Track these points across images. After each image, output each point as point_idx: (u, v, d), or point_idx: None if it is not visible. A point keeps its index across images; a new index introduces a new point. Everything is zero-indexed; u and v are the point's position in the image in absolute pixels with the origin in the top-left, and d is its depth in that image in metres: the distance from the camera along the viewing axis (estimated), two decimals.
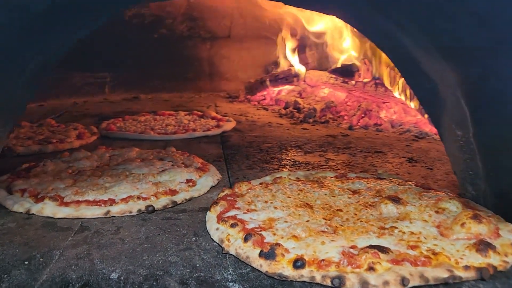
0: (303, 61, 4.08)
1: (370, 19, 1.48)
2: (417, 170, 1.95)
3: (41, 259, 1.09)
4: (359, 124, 3.03)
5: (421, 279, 0.98)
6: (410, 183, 1.59)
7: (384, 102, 3.38)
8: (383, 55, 3.34)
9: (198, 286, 0.97)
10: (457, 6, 1.08)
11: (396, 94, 3.30)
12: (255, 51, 4.56)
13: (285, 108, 3.49)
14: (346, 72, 3.58)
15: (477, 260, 1.05)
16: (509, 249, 1.10)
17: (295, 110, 3.37)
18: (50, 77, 3.93)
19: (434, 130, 2.48)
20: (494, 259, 1.05)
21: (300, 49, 4.12)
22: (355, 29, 3.51)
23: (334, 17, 3.54)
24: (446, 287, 0.98)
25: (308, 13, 3.81)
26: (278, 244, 1.07)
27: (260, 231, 1.18)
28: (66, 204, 1.39)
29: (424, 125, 2.87)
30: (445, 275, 0.99)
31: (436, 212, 1.31)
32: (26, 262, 1.07)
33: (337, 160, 2.07)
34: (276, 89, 4.03)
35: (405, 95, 3.24)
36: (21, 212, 1.37)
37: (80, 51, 3.93)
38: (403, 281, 0.96)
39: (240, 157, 2.12)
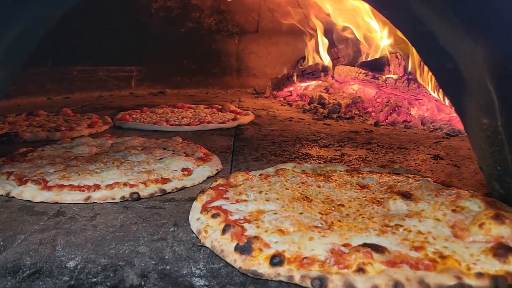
0: (332, 56, 3.89)
1: None
2: (442, 167, 1.75)
3: (1, 243, 1.00)
4: (386, 120, 2.83)
5: (420, 285, 0.81)
6: (429, 179, 1.41)
7: (417, 99, 3.16)
8: None
9: (158, 280, 0.85)
10: None
11: (430, 90, 3.07)
12: (284, 46, 4.43)
13: (309, 103, 3.33)
14: (376, 65, 3.37)
15: (494, 266, 0.87)
16: None
17: (320, 106, 3.20)
18: (75, 70, 4.00)
19: None
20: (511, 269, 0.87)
21: (330, 44, 3.93)
22: (385, 22, 3.32)
23: (363, 11, 3.34)
24: None
25: (337, 6, 3.63)
26: (256, 238, 0.93)
27: (244, 222, 1.04)
28: (49, 188, 1.31)
29: (459, 122, 2.63)
30: (451, 282, 0.82)
31: (453, 211, 1.13)
32: None
33: (353, 155, 1.91)
34: (303, 84, 3.87)
35: (439, 92, 3.01)
36: (1, 195, 1.31)
37: (107, 45, 3.96)
38: (396, 286, 0.80)
39: (249, 149, 1.99)
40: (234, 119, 2.67)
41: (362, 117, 2.96)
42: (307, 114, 3.08)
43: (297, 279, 0.84)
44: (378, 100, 3.32)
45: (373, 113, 3.01)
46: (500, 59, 1.10)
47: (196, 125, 2.52)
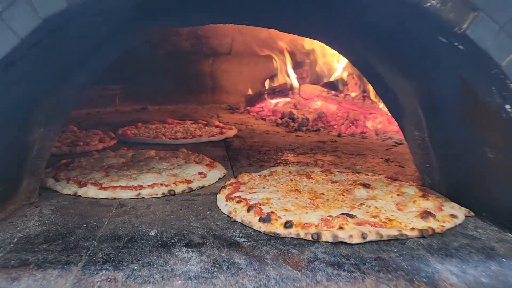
0: (298, 76, 4.46)
1: (352, 46, 1.86)
2: (391, 168, 2.32)
3: (94, 224, 1.44)
4: (347, 132, 3.40)
5: (377, 235, 1.33)
6: (381, 176, 1.96)
7: (371, 113, 3.76)
8: None
9: (213, 239, 1.33)
10: (408, 38, 1.46)
11: (381, 106, 3.68)
12: (254, 66, 4.96)
13: (281, 118, 3.87)
14: (336, 85, 3.97)
15: (421, 224, 1.41)
16: (447, 218, 1.46)
17: (290, 120, 3.74)
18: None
19: None
20: (433, 224, 1.42)
21: (295, 65, 4.51)
22: None
23: None
24: (396, 241, 1.34)
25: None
26: (272, 212, 1.43)
27: (260, 205, 1.53)
28: (105, 188, 1.75)
29: None
30: (396, 233, 1.35)
31: (398, 195, 1.67)
32: (84, 225, 1.42)
33: (324, 160, 2.44)
34: (273, 101, 4.41)
35: None
36: (70, 194, 1.73)
37: None
38: (363, 235, 1.32)
39: (242, 157, 2.48)
40: (221, 133, 3.16)
41: (327, 129, 3.52)
42: (280, 128, 3.61)
43: (302, 235, 1.34)
44: (339, 114, 3.90)
45: (335, 126, 3.58)
46: (424, 91, 1.66)
47: (190, 138, 2.98)
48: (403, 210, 1.53)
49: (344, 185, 1.82)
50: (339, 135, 3.30)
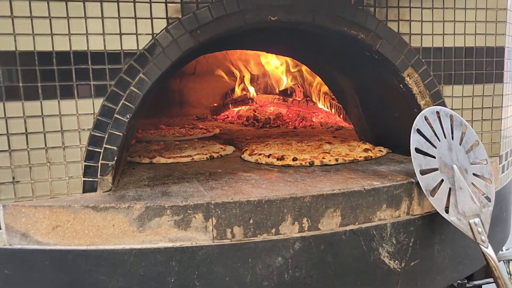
0: (254, 87, 5.60)
1: (309, 57, 3.01)
2: (339, 139, 3.49)
3: (181, 171, 2.41)
4: (300, 125, 4.57)
5: (343, 159, 2.46)
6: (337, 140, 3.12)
7: (314, 112, 4.98)
8: (311, 80, 4.99)
9: (256, 169, 2.37)
10: (349, 53, 2.62)
11: (321, 106, 4.92)
12: (214, 83, 6.01)
13: (247, 120, 4.95)
14: (286, 92, 5.17)
15: (364, 155, 2.56)
16: (377, 152, 2.63)
17: (255, 121, 4.84)
18: None
19: (347, 125, 4.10)
20: (371, 154, 2.58)
21: (251, 80, 5.65)
22: (288, 65, 5.14)
23: (273, 57, 5.06)
24: (352, 163, 2.47)
25: (254, 54, 5.37)
26: (284, 155, 2.51)
27: (273, 154, 2.60)
28: (168, 158, 2.70)
29: (340, 122, 4.49)
30: (352, 159, 2.49)
31: (348, 145, 2.83)
32: (176, 171, 2.39)
33: (294, 139, 3.55)
34: (236, 109, 5.50)
35: (327, 106, 4.86)
36: (146, 163, 2.66)
37: None
38: (336, 159, 2.44)
39: (237, 142, 3.52)
40: (209, 131, 4.16)
41: (284, 125, 4.67)
42: (249, 127, 4.69)
43: (303, 163, 2.43)
44: (289, 115, 5.07)
45: (290, 122, 4.74)
46: (358, 84, 2.84)
47: (190, 135, 3.96)
48: (353, 151, 2.68)
49: (315, 145, 2.95)
50: (295, 128, 4.45)
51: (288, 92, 5.24)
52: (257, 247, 1.81)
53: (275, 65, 5.37)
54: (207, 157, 2.75)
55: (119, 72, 1.91)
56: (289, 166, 2.44)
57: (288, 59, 4.96)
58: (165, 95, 5.87)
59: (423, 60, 2.33)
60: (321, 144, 2.90)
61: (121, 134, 1.94)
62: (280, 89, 5.33)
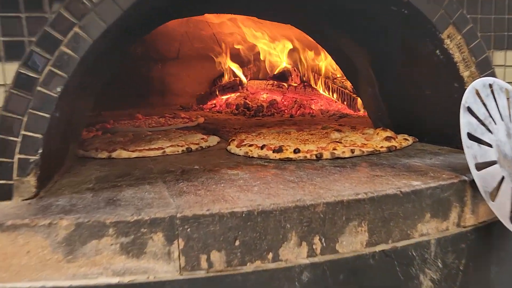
0: (244, 73, 4.98)
1: (313, 21, 2.41)
2: (346, 128, 2.90)
3: (144, 168, 1.80)
4: (297, 113, 3.97)
5: (360, 151, 1.87)
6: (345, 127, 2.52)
7: (312, 99, 4.38)
8: (309, 63, 4.38)
9: (245, 165, 1.77)
10: (366, 14, 2.02)
11: (321, 91, 4.32)
12: (200, 69, 5.38)
13: (236, 108, 4.34)
14: (281, 77, 4.56)
15: (386, 144, 1.97)
16: (402, 141, 2.05)
17: (246, 109, 4.23)
18: None
19: (352, 112, 3.52)
20: (395, 143, 1.98)
21: (241, 64, 5.02)
22: (285, 44, 4.53)
23: (267, 33, 4.46)
24: (373, 155, 1.88)
25: (246, 30, 4.75)
26: (283, 145, 1.91)
27: (269, 145, 2.00)
28: (133, 151, 2.10)
29: (344, 109, 3.90)
30: (372, 150, 1.90)
31: (362, 134, 2.24)
32: (137, 169, 1.78)
33: (292, 128, 2.95)
34: (224, 97, 4.88)
35: (328, 91, 4.27)
36: (104, 158, 2.05)
37: None
38: (352, 150, 1.84)
39: (223, 132, 2.92)
40: (191, 121, 3.55)
41: (279, 113, 4.07)
42: (238, 116, 4.08)
43: (308, 156, 1.83)
44: (285, 102, 4.47)
45: (286, 110, 4.14)
46: (373, 55, 2.25)
47: (168, 125, 3.35)
48: (370, 140, 2.08)
49: (320, 133, 2.35)
50: (291, 116, 3.85)
51: (285, 76, 4.63)
52: (247, 281, 1.22)
53: (268, 46, 4.76)
54: (183, 150, 2.15)
55: (43, 23, 1.31)
56: (289, 160, 1.84)
57: (286, 41, 4.38)
58: (143, 82, 5.24)
59: (467, 16, 1.73)
60: (328, 133, 2.30)
61: (47, 115, 1.35)
62: (274, 73, 4.71)
